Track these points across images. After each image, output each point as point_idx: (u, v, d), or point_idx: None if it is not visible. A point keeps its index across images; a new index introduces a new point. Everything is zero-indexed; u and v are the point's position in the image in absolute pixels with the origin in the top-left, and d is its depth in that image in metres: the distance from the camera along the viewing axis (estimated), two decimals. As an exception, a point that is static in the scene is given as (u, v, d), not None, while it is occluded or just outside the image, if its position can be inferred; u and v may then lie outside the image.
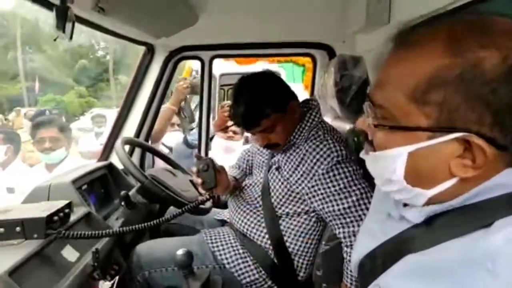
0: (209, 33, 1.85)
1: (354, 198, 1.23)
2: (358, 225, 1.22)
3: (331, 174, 1.26)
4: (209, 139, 2.29)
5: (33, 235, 0.99)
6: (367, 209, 1.21)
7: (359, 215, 1.23)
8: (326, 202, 1.27)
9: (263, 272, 1.42)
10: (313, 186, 1.30)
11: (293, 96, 1.40)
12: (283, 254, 1.41)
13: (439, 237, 0.54)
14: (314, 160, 1.29)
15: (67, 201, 1.11)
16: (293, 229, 1.40)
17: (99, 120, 6.04)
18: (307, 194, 1.33)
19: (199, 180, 1.42)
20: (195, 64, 3.87)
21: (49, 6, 0.94)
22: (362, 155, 0.65)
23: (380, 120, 0.57)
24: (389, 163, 0.57)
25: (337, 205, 1.25)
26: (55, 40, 0.94)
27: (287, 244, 1.41)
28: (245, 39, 1.94)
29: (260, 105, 1.31)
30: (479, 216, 0.52)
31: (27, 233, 0.99)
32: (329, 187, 1.26)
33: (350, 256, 1.13)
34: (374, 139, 0.60)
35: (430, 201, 0.57)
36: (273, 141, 1.39)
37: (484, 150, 0.49)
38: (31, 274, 0.92)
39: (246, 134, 2.67)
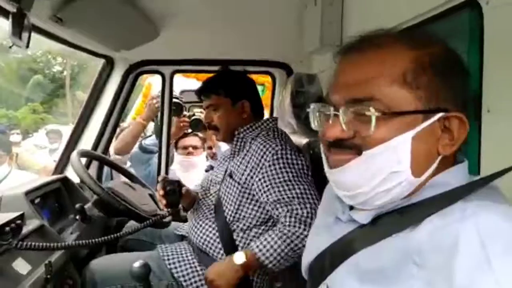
0: (170, 48, 1.88)
1: (298, 191, 1.29)
2: (302, 212, 1.27)
3: (276, 166, 1.33)
4: (169, 156, 2.27)
5: (-19, 246, 0.96)
6: (310, 203, 1.28)
7: (304, 204, 1.28)
8: (274, 192, 1.31)
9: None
10: (260, 179, 1.35)
11: (251, 100, 1.53)
12: None
13: (380, 236, 0.58)
14: (261, 154, 1.36)
15: (18, 213, 1.08)
16: (247, 238, 1.41)
17: (53, 136, 5.82)
18: (256, 188, 1.37)
19: (163, 201, 1.46)
20: (156, 84, 3.87)
21: (5, 14, 0.94)
22: (330, 170, 0.63)
23: (376, 112, 0.56)
24: (392, 154, 0.56)
25: (282, 193, 1.30)
26: (10, 47, 0.93)
27: None
28: (207, 55, 1.99)
29: (219, 83, 1.53)
30: (414, 214, 0.56)
31: (-25, 244, 0.95)
32: (274, 178, 1.32)
33: (285, 233, 1.25)
34: (362, 138, 0.58)
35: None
36: (214, 122, 1.53)
37: (464, 123, 0.57)
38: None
39: (207, 147, 2.70)
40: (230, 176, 1.46)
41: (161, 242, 1.70)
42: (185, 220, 1.76)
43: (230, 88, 1.51)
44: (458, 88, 0.58)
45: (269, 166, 1.33)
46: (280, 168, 1.33)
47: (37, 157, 5.31)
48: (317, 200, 1.29)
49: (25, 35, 0.91)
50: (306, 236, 1.23)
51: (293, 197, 1.29)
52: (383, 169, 0.56)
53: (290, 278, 1.39)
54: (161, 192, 1.46)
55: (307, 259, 0.76)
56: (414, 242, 0.51)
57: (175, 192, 1.44)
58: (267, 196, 1.34)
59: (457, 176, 0.59)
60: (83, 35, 1.35)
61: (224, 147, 2.49)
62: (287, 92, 1.67)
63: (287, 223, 1.27)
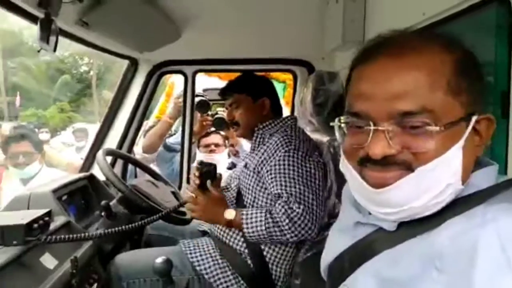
0: (192, 48, 1.90)
1: (298, 190, 1.34)
2: (294, 210, 1.31)
3: (286, 161, 1.39)
4: (191, 154, 2.31)
5: (12, 241, 0.99)
6: (306, 205, 1.32)
7: (299, 204, 1.32)
8: (277, 185, 1.37)
9: (242, 282, 1.43)
10: (268, 171, 1.41)
11: (271, 97, 1.61)
12: (261, 263, 1.43)
13: (400, 239, 0.57)
14: (275, 147, 1.42)
15: (47, 210, 1.12)
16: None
17: (80, 134, 5.96)
18: (264, 178, 1.43)
19: (197, 181, 1.48)
20: (179, 83, 3.92)
21: (34, 19, 0.97)
22: (374, 189, 0.56)
23: (427, 126, 0.53)
24: (447, 167, 0.53)
25: (283, 188, 1.35)
26: (38, 51, 0.97)
27: (265, 252, 1.44)
28: (228, 54, 2.00)
29: (241, 83, 1.63)
30: (437, 216, 0.55)
31: (6, 240, 0.99)
32: (280, 172, 1.38)
33: (271, 220, 1.32)
34: (413, 153, 0.54)
35: None
36: (235, 118, 1.62)
37: (492, 122, 0.57)
38: (9, 281, 0.92)
39: (229, 144, 2.73)
40: (245, 166, 1.53)
41: (182, 238, 1.73)
42: None
43: (251, 87, 1.60)
44: (483, 89, 0.58)
45: (279, 160, 1.39)
46: (288, 164, 1.38)
47: (64, 155, 5.47)
48: (317, 205, 1.35)
49: (52, 39, 0.95)
50: (288, 231, 1.31)
51: (291, 195, 1.34)
52: (439, 184, 0.53)
53: (309, 276, 1.39)
54: (197, 173, 1.49)
55: (326, 259, 0.77)
56: (435, 246, 0.51)
57: (210, 174, 1.46)
58: (271, 187, 1.40)
59: (488, 177, 0.58)
60: (108, 37, 1.39)
61: (246, 145, 2.51)
62: (308, 90, 1.66)
63: (277, 213, 1.33)
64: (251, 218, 1.35)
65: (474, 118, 0.55)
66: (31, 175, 2.42)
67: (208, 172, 1.45)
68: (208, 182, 1.42)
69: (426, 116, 0.52)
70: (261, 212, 1.35)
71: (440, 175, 0.53)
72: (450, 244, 0.49)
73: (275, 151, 1.42)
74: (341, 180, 1.36)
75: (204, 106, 2.42)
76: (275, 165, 1.39)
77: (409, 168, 0.54)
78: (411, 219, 0.57)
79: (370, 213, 0.66)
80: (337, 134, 0.62)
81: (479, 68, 0.59)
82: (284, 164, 1.38)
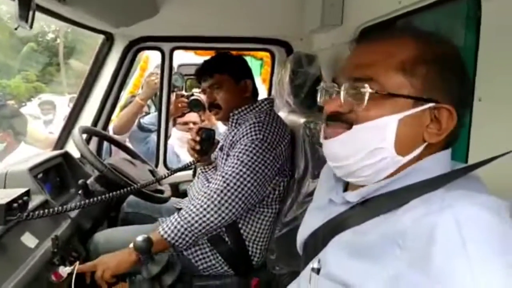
0: (169, 25, 1.86)
1: (241, 173, 1.34)
2: (234, 183, 1.33)
3: (248, 147, 1.37)
4: (168, 131, 2.30)
5: (-8, 222, 0.99)
6: (244, 189, 1.33)
7: (237, 184, 1.33)
8: (228, 166, 1.38)
9: (219, 258, 1.48)
10: (234, 154, 1.40)
11: (251, 79, 1.58)
12: (238, 240, 1.48)
13: (367, 216, 0.63)
14: (245, 132, 1.41)
15: (25, 189, 1.11)
16: (247, 216, 1.48)
17: (47, 107, 5.67)
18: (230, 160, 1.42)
19: (197, 147, 1.51)
20: (153, 57, 3.82)
21: (11, -5, 0.93)
22: (323, 140, 0.70)
23: (369, 89, 0.62)
24: (379, 131, 0.62)
25: (230, 166, 1.36)
26: (16, 29, 0.94)
27: (242, 231, 1.49)
28: (206, 32, 1.97)
29: (221, 61, 1.56)
30: (399, 197, 0.61)
31: (-14, 220, 0.99)
32: (240, 157, 1.37)
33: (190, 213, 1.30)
34: (356, 114, 0.64)
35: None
36: (217, 101, 1.55)
37: (453, 116, 0.62)
38: (-10, 261, 0.93)
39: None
40: (220, 149, 1.54)
41: (160, 216, 1.76)
42: (184, 194, 1.82)
43: (232, 67, 1.55)
44: (453, 84, 0.63)
45: (245, 145, 1.38)
46: (249, 151, 1.37)
47: (33, 128, 5.26)
48: (252, 192, 1.35)
49: (30, 15, 0.92)
50: (208, 210, 1.31)
51: (229, 178, 1.34)
52: (369, 144, 0.63)
53: (284, 251, 1.45)
54: (197, 138, 1.52)
55: (301, 236, 0.82)
56: (398, 225, 0.56)
57: (209, 139, 1.51)
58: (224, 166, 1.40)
59: (439, 163, 0.64)
60: (84, 12, 1.35)
61: (222, 128, 2.52)
62: (286, 71, 1.68)
63: (209, 189, 1.35)
64: (165, 223, 1.34)
65: (429, 105, 0.62)
66: None
67: (208, 137, 1.50)
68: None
69: (371, 84, 0.62)
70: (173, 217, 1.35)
71: (371, 137, 0.63)
72: (411, 225, 0.54)
73: (243, 136, 1.41)
74: (316, 160, 1.42)
75: (198, 106, 2.42)
76: (238, 149, 1.39)
77: (350, 127, 0.64)
78: (374, 197, 0.65)
79: (343, 192, 0.73)
80: (319, 99, 0.74)
81: (458, 68, 0.64)
82: (245, 150, 1.37)
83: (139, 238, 1.21)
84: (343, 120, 0.66)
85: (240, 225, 1.48)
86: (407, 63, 0.62)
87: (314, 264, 0.67)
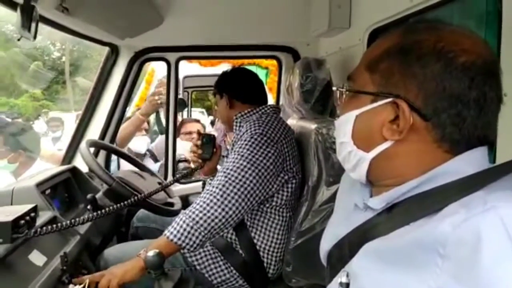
0: (174, 35, 1.85)
1: (235, 174, 1.31)
2: (222, 185, 1.29)
3: (248, 142, 1.36)
4: (176, 143, 2.27)
5: (-2, 240, 0.96)
6: (245, 192, 1.30)
7: (230, 182, 1.29)
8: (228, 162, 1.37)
9: (234, 271, 1.43)
10: (234, 151, 1.39)
11: (228, 92, 1.59)
12: (252, 251, 1.44)
13: (397, 224, 0.58)
14: (245, 130, 1.42)
15: (32, 205, 1.08)
16: (258, 224, 1.45)
17: (55, 123, 5.73)
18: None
19: (198, 151, 1.58)
20: (159, 69, 3.83)
21: (13, 6, 0.92)
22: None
23: (341, 88, 0.68)
24: (342, 126, 0.66)
25: (225, 168, 1.34)
26: (18, 40, 0.92)
27: (255, 241, 1.44)
28: (212, 41, 1.96)
29: (216, 84, 1.64)
30: (432, 202, 0.56)
31: (-9, 238, 0.95)
32: (240, 152, 1.35)
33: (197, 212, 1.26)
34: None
35: (386, 186, 0.63)
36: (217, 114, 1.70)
37: (406, 113, 0.57)
38: (-3, 280, 0.89)
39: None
40: (226, 156, 1.54)
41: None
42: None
43: (217, 86, 1.64)
44: (421, 78, 0.57)
45: (244, 140, 1.38)
46: (248, 143, 1.36)
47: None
48: (261, 191, 1.34)
49: (32, 26, 0.89)
50: (211, 205, 1.27)
51: (230, 172, 1.32)
52: (338, 139, 0.69)
53: (301, 263, 1.40)
54: (198, 142, 1.57)
55: (325, 246, 0.77)
56: (437, 232, 0.51)
57: (210, 142, 1.56)
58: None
59: (471, 163, 0.58)
60: (88, 23, 1.33)
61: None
62: (295, 77, 1.65)
63: (212, 185, 1.33)
64: (170, 226, 1.30)
65: (386, 100, 0.59)
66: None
67: (208, 140, 1.56)
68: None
69: (350, 83, 0.67)
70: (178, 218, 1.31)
71: (338, 132, 0.68)
72: (452, 231, 0.49)
73: (244, 134, 1.41)
74: (330, 167, 1.38)
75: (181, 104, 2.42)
76: (239, 145, 1.38)
77: None
78: (400, 203, 0.60)
79: (370, 197, 0.68)
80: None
81: (429, 57, 0.57)
82: (245, 144, 1.36)
83: (150, 253, 1.17)
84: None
85: (252, 234, 1.44)
86: (373, 60, 0.62)
87: (342, 278, 0.62)
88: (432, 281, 0.49)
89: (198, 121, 2.89)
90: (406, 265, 0.53)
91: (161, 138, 3.21)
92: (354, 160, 0.65)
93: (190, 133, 2.76)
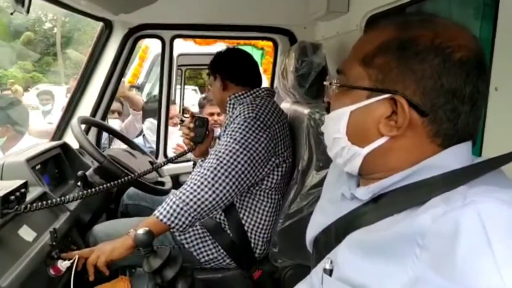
0: (170, 13, 1.82)
1: (227, 156, 1.31)
2: (213, 165, 1.30)
3: (241, 126, 1.36)
4: (168, 119, 2.26)
5: (-12, 215, 0.96)
6: (236, 175, 1.30)
7: (222, 164, 1.30)
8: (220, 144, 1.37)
9: (221, 251, 1.46)
10: (227, 134, 1.39)
11: (221, 73, 1.57)
12: (240, 232, 1.46)
13: (382, 214, 0.60)
14: (238, 114, 1.41)
15: (23, 181, 1.08)
16: (247, 206, 1.47)
17: (45, 97, 5.62)
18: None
19: (191, 134, 1.55)
20: (153, 45, 3.77)
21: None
22: (322, 128, 0.72)
23: (334, 83, 0.66)
24: (335, 122, 0.64)
25: (217, 150, 1.34)
26: (12, 14, 0.90)
27: (243, 221, 1.46)
28: (207, 20, 1.92)
29: (210, 64, 1.62)
30: (417, 194, 0.57)
31: (-19, 213, 0.95)
32: (232, 135, 1.35)
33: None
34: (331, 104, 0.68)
35: (376, 179, 0.63)
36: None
37: (405, 110, 0.57)
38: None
39: None
40: (218, 138, 1.55)
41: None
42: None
43: (211, 67, 1.62)
44: (420, 74, 0.57)
45: (237, 124, 1.37)
46: (240, 127, 1.36)
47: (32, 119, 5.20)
48: (252, 175, 1.34)
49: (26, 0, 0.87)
50: (201, 187, 1.27)
51: (222, 155, 1.32)
52: (330, 134, 0.67)
53: (287, 244, 1.43)
54: (191, 125, 1.55)
55: (312, 232, 0.78)
56: (417, 224, 0.52)
57: (203, 125, 1.54)
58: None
59: (457, 157, 0.59)
60: (81, -3, 1.30)
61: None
62: (290, 60, 1.64)
63: (203, 167, 1.32)
64: (161, 206, 1.31)
65: (383, 96, 0.59)
66: None
67: (202, 123, 1.54)
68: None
69: (341, 77, 0.65)
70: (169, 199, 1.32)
71: (331, 128, 0.66)
72: (431, 223, 0.50)
73: (237, 117, 1.41)
74: (321, 152, 1.39)
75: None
76: (231, 128, 1.38)
77: None
78: (386, 194, 0.62)
79: (356, 188, 0.69)
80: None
81: (426, 53, 0.57)
82: (238, 128, 1.36)
83: (140, 231, 1.18)
84: (328, 112, 0.69)
85: (241, 215, 1.46)
86: (369, 54, 0.61)
87: (326, 264, 0.64)
88: (410, 269, 0.50)
89: (173, 103, 2.87)
90: (387, 256, 0.54)
91: (130, 118, 3.32)
92: (348, 155, 0.65)
93: (171, 117, 2.75)
